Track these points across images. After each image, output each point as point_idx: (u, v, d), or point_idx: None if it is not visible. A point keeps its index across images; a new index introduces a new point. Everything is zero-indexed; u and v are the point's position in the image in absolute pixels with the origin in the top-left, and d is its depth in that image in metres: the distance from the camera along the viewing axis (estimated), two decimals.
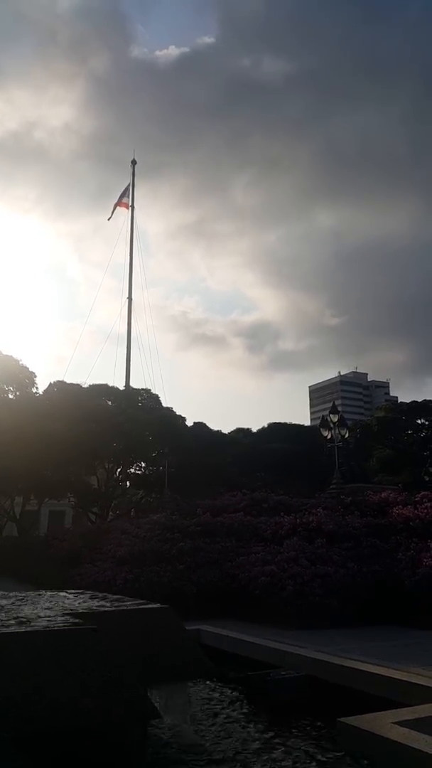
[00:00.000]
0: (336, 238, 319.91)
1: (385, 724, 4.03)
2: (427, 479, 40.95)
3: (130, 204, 53.85)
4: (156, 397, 37.20)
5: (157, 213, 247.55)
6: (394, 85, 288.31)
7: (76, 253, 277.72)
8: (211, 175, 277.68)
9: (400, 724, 4.03)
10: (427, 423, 56.05)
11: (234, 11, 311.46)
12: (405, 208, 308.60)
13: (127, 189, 54.25)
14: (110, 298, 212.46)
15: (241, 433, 49.34)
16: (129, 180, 54.97)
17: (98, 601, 5.22)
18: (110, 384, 36.68)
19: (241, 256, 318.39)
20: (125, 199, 53.85)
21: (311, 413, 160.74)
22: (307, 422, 71.20)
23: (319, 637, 8.27)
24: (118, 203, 53.92)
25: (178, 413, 37.03)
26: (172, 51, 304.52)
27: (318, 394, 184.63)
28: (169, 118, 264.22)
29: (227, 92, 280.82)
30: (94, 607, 4.84)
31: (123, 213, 54.08)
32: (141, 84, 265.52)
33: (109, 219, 54.48)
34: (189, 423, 40.53)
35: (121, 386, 41.21)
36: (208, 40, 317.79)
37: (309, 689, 6.07)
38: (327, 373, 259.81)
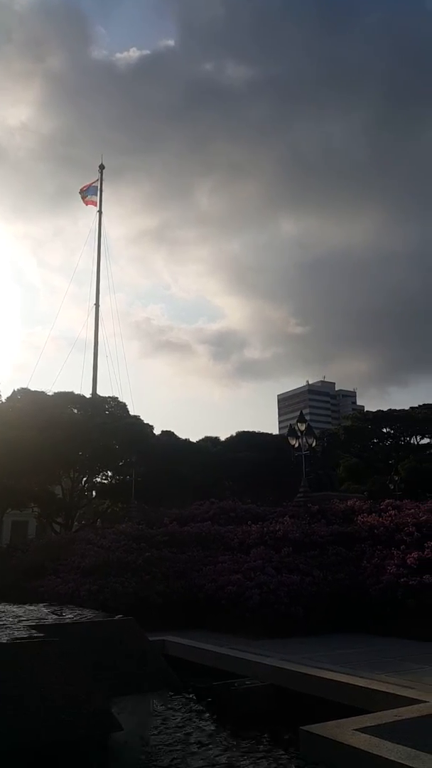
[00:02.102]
0: (299, 246, 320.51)
1: (347, 731, 4.04)
2: (392, 487, 41.62)
3: (98, 209, 53.20)
4: (123, 406, 36.98)
5: (119, 217, 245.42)
6: (357, 93, 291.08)
7: (35, 256, 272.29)
8: (175, 180, 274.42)
9: (362, 731, 4.05)
10: (392, 432, 57.13)
11: (194, 15, 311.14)
12: (368, 216, 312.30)
13: (92, 185, 53.28)
14: (72, 303, 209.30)
15: (210, 442, 49.34)
16: (91, 180, 54.23)
17: (60, 613, 5.12)
18: (76, 392, 36.31)
19: (205, 264, 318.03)
20: (93, 197, 52.98)
21: (280, 422, 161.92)
22: (275, 431, 71.53)
23: (285, 645, 8.29)
24: (86, 198, 52.97)
25: (145, 422, 36.85)
26: (133, 53, 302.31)
27: (287, 402, 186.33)
28: (131, 121, 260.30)
29: (189, 96, 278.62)
30: (56, 620, 4.74)
31: (84, 215, 53.28)
32: (101, 85, 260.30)
33: (80, 191, 53.54)
34: (157, 431, 40.39)
35: (88, 394, 40.73)
36: (169, 43, 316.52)
37: (274, 698, 6.06)
38: (293, 382, 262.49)
